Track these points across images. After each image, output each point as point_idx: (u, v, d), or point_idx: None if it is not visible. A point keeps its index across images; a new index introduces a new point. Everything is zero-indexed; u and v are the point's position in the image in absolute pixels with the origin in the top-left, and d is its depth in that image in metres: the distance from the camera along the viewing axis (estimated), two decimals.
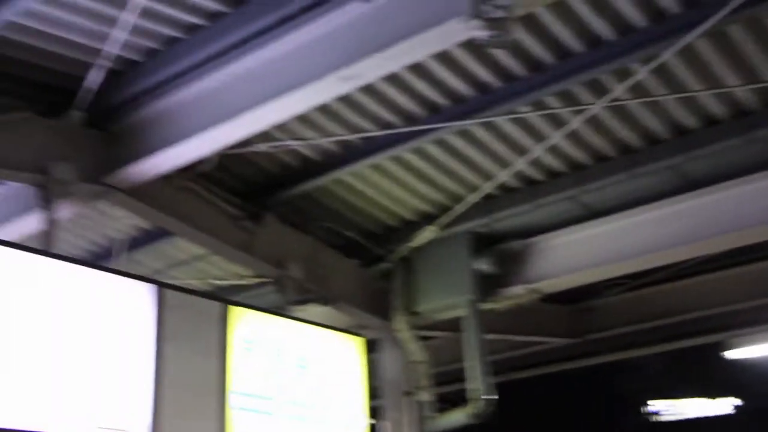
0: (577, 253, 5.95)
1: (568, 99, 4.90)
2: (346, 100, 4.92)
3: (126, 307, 4.64)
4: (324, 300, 6.14)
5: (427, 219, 6.07)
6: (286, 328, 5.52)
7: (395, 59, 4.05)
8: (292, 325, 5.58)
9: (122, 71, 4.73)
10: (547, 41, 4.52)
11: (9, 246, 4.28)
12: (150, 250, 6.46)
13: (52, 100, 4.78)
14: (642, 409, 13.16)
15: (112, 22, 4.26)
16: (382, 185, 5.86)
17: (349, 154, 5.48)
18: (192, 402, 4.84)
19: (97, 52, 4.46)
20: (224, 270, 6.72)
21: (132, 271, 4.95)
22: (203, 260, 6.63)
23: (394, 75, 4.66)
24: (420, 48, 3.95)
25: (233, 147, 4.96)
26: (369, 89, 4.84)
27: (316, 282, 6.07)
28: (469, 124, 5.07)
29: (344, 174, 5.66)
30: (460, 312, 6.14)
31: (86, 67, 4.56)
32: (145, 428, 4.48)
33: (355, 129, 5.22)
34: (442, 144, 5.40)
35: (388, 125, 5.19)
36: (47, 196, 4.70)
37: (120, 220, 6.00)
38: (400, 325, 6.33)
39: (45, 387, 4.15)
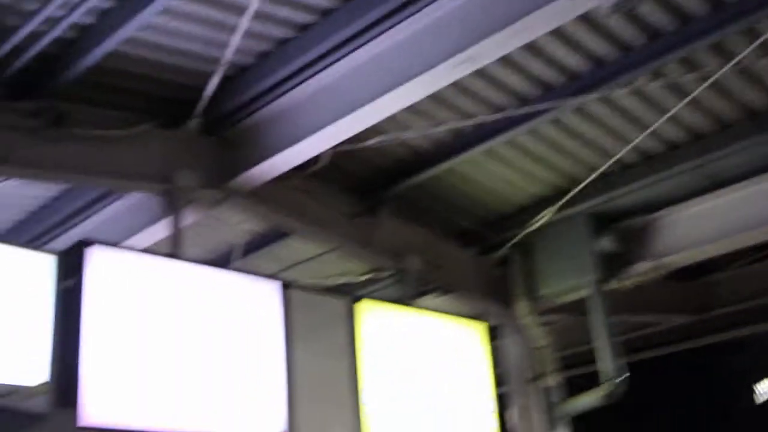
0: (702, 226, 5.74)
1: (690, 65, 4.72)
2: (456, 85, 4.84)
3: (253, 308, 4.69)
4: (443, 290, 6.11)
5: (544, 202, 5.95)
6: (411, 320, 5.50)
7: (514, 38, 3.97)
8: (417, 317, 5.55)
9: (235, 76, 4.77)
10: (666, 6, 4.36)
11: (141, 253, 4.44)
12: (263, 254, 6.53)
13: (170, 111, 4.87)
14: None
15: (226, 28, 4.31)
16: (496, 171, 5.77)
17: (462, 141, 5.41)
18: (325, 400, 4.86)
19: (212, 60, 4.51)
20: (337, 269, 6.74)
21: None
22: (315, 260, 6.66)
23: (505, 55, 4.57)
24: (541, 23, 3.86)
25: (345, 143, 4.97)
26: (479, 73, 4.73)
27: (435, 273, 6.03)
28: (586, 100, 4.94)
29: (457, 163, 5.58)
30: (583, 293, 6.01)
31: (202, 75, 4.62)
32: (281, 430, 4.51)
33: (466, 115, 5.15)
34: (558, 123, 5.28)
35: (500, 108, 5.09)
36: (172, 204, 4.80)
37: (233, 226, 6.09)
38: (522, 310, 6.24)
39: (179, 390, 4.23)
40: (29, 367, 3.94)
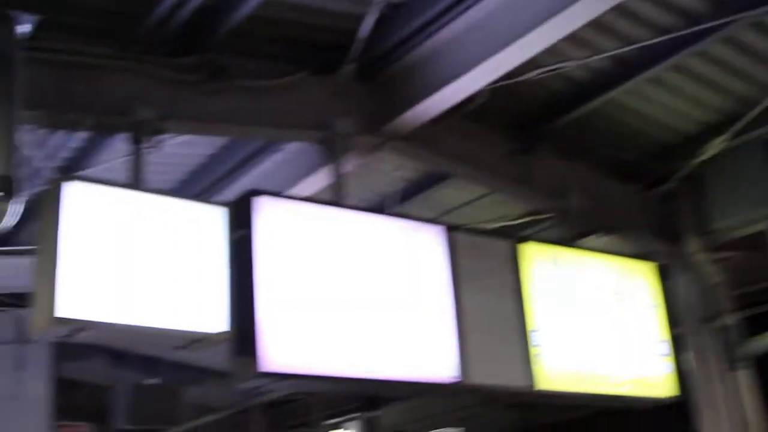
0: None
1: None
2: (618, 9, 4.56)
3: (417, 252, 4.63)
4: (607, 229, 5.86)
5: (713, 130, 5.58)
6: (576, 260, 5.31)
7: None
8: (581, 258, 5.36)
9: (387, 16, 4.66)
10: None
11: (305, 201, 4.43)
12: (417, 202, 6.46)
13: (324, 58, 4.83)
14: None
15: None
16: (661, 99, 5.44)
17: (624, 69, 5.11)
18: (494, 344, 4.75)
19: (364, 1, 4.42)
20: (492, 213, 6.60)
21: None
22: (470, 206, 6.54)
23: None
24: None
25: (501, 79, 4.78)
26: None
27: (598, 211, 5.79)
28: (763, 13, 4.56)
29: (618, 93, 5.30)
30: (761, 227, 5.64)
31: (354, 18, 4.54)
32: (453, 373, 4.45)
33: (629, 40, 4.85)
34: (731, 42, 4.90)
35: (666, 30, 4.77)
36: (331, 152, 4.77)
37: (385, 174, 6.04)
38: (693, 247, 5.92)
39: (353, 336, 4.21)
40: (210, 316, 4.01)
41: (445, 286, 4.60)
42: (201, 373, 8.76)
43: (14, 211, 3.27)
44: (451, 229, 4.77)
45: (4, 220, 3.24)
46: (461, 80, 4.60)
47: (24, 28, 3.45)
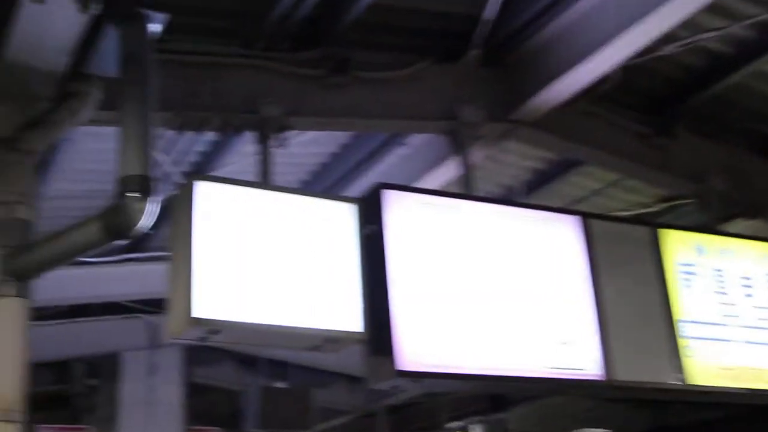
0: None
1: None
2: None
3: (552, 243, 4.43)
4: (753, 213, 5.49)
5: None
6: (721, 247, 4.98)
7: None
8: (727, 244, 5.02)
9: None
10: None
11: (433, 194, 4.30)
12: (544, 193, 6.24)
13: (445, 46, 4.69)
14: None
15: None
16: None
17: None
18: (638, 335, 4.49)
19: None
20: (623, 202, 6.31)
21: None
22: (600, 194, 6.27)
23: None
24: None
25: (635, 57, 4.51)
26: None
27: (742, 193, 5.43)
28: None
29: (762, 63, 4.94)
30: None
31: (476, 3, 4.38)
32: (597, 370, 4.23)
33: None
34: None
35: None
36: (458, 142, 4.63)
37: (512, 165, 5.86)
38: None
39: (491, 332, 4.05)
40: (343, 315, 3.91)
41: (584, 277, 4.40)
42: (328, 377, 8.77)
43: (151, 210, 3.25)
44: (588, 217, 4.56)
45: (141, 220, 3.22)
46: (592, 60, 4.37)
47: (155, 27, 3.43)
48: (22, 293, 3.45)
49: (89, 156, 5.05)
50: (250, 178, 4.17)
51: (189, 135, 4.69)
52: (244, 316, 3.68)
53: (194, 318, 3.55)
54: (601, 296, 4.37)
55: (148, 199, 3.23)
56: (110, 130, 4.38)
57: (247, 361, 8.82)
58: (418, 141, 5.10)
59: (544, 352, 4.16)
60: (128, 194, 3.24)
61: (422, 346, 3.88)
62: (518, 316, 4.16)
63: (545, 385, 4.37)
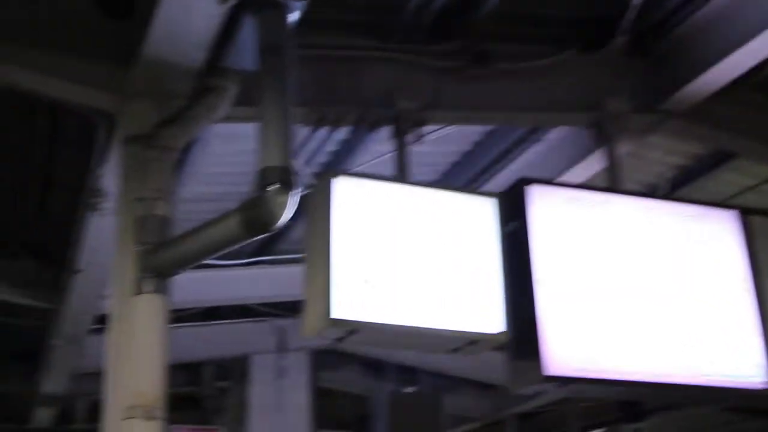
0: None
1: None
2: None
3: (707, 240, 4.14)
4: None
5: None
6: None
7: None
8: None
9: None
10: None
11: (580, 188, 4.12)
12: (691, 189, 5.88)
13: (587, 34, 4.44)
14: None
15: None
16: None
17: None
18: None
19: None
20: None
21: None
22: (755, 190, 5.86)
23: None
24: None
25: None
26: None
27: None
28: None
29: None
30: None
31: None
32: (762, 377, 3.94)
33: None
34: None
35: None
36: (603, 134, 4.38)
37: (656, 161, 5.54)
38: None
39: (640, 334, 3.82)
40: (485, 315, 3.72)
41: (743, 276, 4.11)
42: (456, 382, 8.58)
43: (292, 204, 3.15)
44: (747, 213, 4.25)
45: (283, 214, 3.12)
46: (750, 45, 4.02)
47: (293, 16, 3.34)
48: (161, 290, 3.41)
49: (221, 158, 5.05)
50: (387, 173, 4.04)
51: (319, 135, 4.63)
52: (383, 317, 3.55)
53: (333, 318, 3.44)
54: (763, 296, 4.07)
55: (290, 192, 3.12)
56: (242, 132, 4.38)
57: (374, 366, 8.73)
58: (557, 135, 4.87)
59: (700, 357, 3.89)
60: (269, 187, 3.14)
61: (569, 349, 3.66)
62: (670, 318, 3.90)
63: (701, 394, 4.07)
